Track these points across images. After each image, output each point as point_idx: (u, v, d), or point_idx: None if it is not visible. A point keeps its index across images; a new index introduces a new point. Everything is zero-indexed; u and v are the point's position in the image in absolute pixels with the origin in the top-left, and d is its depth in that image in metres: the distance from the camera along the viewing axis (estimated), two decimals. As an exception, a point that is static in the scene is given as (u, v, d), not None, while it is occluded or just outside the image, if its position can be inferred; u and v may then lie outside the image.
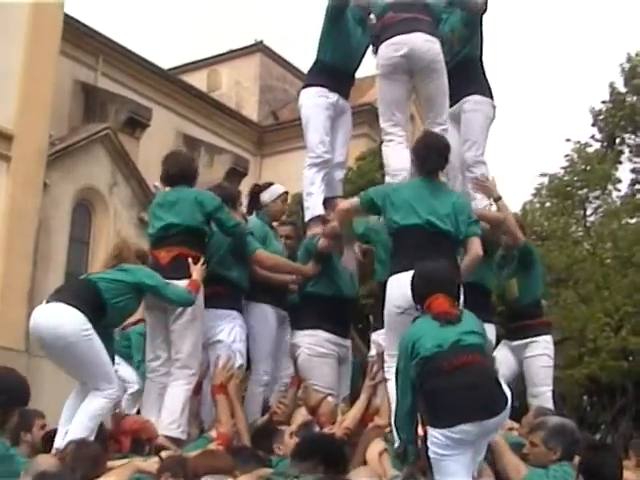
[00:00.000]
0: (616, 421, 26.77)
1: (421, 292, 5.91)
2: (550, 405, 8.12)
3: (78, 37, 26.45)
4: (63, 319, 6.36)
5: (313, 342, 7.64)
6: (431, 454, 5.43)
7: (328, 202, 8.20)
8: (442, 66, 7.71)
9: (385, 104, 7.89)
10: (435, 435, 5.38)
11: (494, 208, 8.18)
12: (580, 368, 23.75)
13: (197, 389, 7.44)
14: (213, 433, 6.87)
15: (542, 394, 8.17)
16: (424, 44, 7.60)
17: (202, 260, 7.16)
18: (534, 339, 8.29)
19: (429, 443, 5.43)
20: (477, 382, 5.42)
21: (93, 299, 6.53)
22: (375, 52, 7.93)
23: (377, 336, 7.38)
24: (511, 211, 8.22)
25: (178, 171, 7.53)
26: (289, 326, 8.08)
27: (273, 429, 6.85)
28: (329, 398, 7.40)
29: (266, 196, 8.33)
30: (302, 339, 7.71)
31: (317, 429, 7.12)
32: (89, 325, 6.38)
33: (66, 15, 24.70)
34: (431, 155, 6.76)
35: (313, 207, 8.24)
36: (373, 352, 7.42)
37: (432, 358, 5.47)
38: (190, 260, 7.07)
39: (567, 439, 5.83)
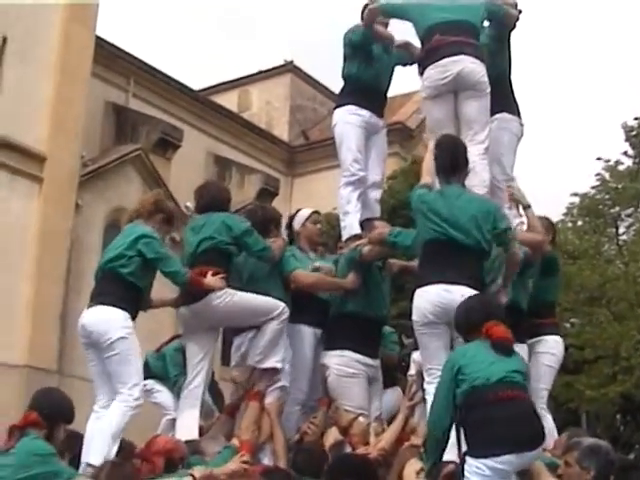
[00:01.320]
0: (651, 441, 26.57)
1: (478, 319, 5.90)
2: (544, 402, 8.08)
3: (109, 59, 26.62)
4: (110, 320, 6.79)
5: (342, 362, 7.63)
6: None
7: (366, 223, 8.19)
8: (486, 87, 7.76)
9: (433, 124, 7.90)
10: (477, 465, 5.38)
11: (524, 219, 8.19)
12: (614, 387, 23.61)
13: (232, 411, 7.47)
14: (236, 441, 6.89)
15: (539, 391, 8.03)
16: (470, 66, 7.66)
17: (222, 274, 7.25)
18: (543, 337, 8.27)
19: (468, 473, 5.43)
20: (522, 414, 5.50)
21: (128, 290, 6.94)
22: (421, 74, 7.96)
23: (418, 355, 7.37)
24: (539, 223, 8.16)
25: (209, 200, 7.71)
26: None
27: (323, 450, 6.81)
28: (360, 418, 7.39)
29: (296, 224, 8.36)
30: (331, 359, 7.70)
31: (349, 449, 7.11)
32: (131, 322, 6.83)
33: (97, 37, 24.89)
34: (443, 153, 6.98)
35: (350, 226, 8.24)
36: (413, 371, 7.42)
37: (477, 388, 5.51)
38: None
39: (601, 459, 5.77)
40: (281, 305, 7.38)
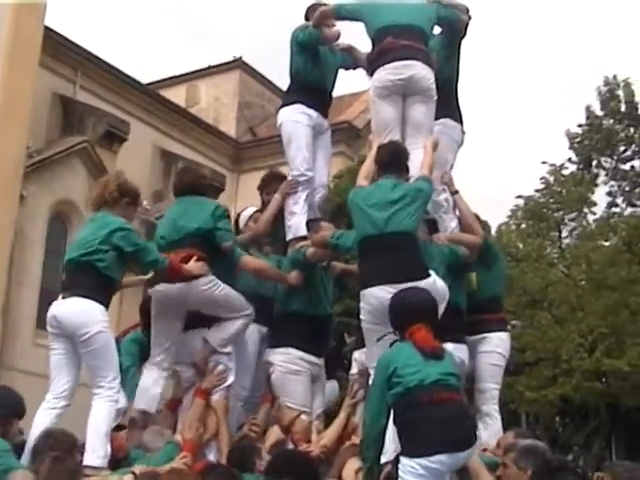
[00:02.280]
0: (589, 442, 26.89)
1: (401, 321, 5.99)
2: (495, 402, 8.11)
3: (57, 49, 26.38)
4: (87, 312, 6.71)
5: (286, 360, 7.65)
6: None
7: (312, 224, 8.21)
8: (434, 94, 7.89)
9: (379, 124, 7.94)
10: (411, 465, 5.46)
11: (451, 201, 8.24)
12: (554, 389, 23.86)
13: (174, 406, 7.46)
14: (179, 437, 6.88)
15: (488, 391, 8.06)
16: (421, 72, 7.78)
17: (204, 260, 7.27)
18: (487, 335, 8.13)
19: (402, 472, 5.50)
20: (455, 416, 5.59)
21: (103, 284, 6.86)
22: (371, 74, 8.02)
23: (359, 354, 7.41)
24: (469, 206, 8.22)
25: (187, 184, 7.82)
26: None
27: (251, 446, 6.83)
28: (303, 416, 7.42)
29: (240, 223, 8.45)
30: (275, 357, 7.71)
31: (291, 447, 7.13)
32: (107, 316, 6.80)
33: (46, 27, 24.64)
34: (384, 152, 7.22)
35: (296, 227, 8.27)
36: (354, 370, 7.45)
37: (412, 390, 5.58)
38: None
39: (538, 459, 5.85)
40: (251, 308, 7.44)
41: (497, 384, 8.20)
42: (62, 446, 6.08)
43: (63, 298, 6.88)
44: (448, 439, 5.48)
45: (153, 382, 7.49)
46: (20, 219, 22.99)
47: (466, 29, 8.52)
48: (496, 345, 8.20)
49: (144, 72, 33.91)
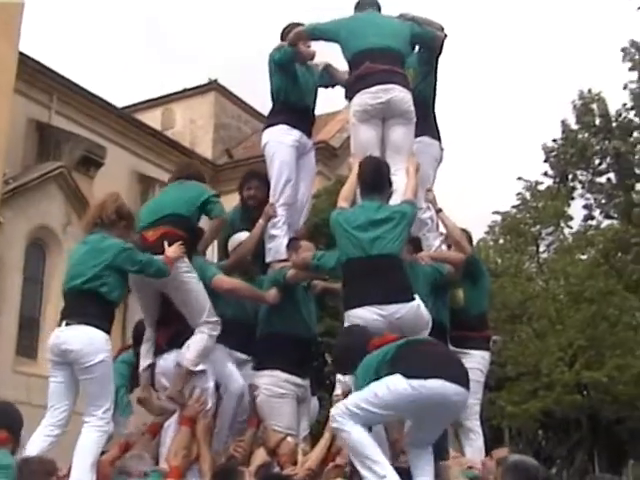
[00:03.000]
0: (571, 455, 26.95)
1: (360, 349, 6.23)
2: (477, 418, 8.17)
3: (32, 75, 26.30)
4: (92, 341, 6.68)
5: (271, 382, 7.61)
6: None
7: (292, 243, 8.20)
8: (413, 116, 7.95)
9: (360, 147, 7.98)
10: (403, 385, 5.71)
11: (435, 219, 8.31)
12: (535, 402, 23.93)
13: (155, 430, 7.45)
14: (165, 466, 6.87)
15: (470, 406, 8.02)
16: (400, 95, 7.85)
17: (181, 241, 7.26)
18: (470, 351, 8.15)
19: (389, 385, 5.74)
20: (452, 356, 6.37)
21: (107, 310, 6.88)
22: (350, 98, 8.08)
23: (342, 376, 7.42)
24: (455, 223, 8.27)
25: (179, 170, 8.11)
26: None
27: (234, 469, 6.82)
28: (289, 438, 7.39)
29: (230, 249, 8.36)
30: (260, 379, 7.67)
31: (277, 469, 7.12)
32: (110, 345, 6.78)
33: (20, 53, 24.60)
34: (367, 171, 7.29)
35: (276, 250, 8.28)
36: (338, 391, 7.45)
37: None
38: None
39: (521, 475, 5.88)
40: (218, 319, 7.38)
41: (478, 400, 8.25)
42: (37, 476, 6.07)
43: (66, 325, 6.83)
44: (446, 369, 5.75)
45: (146, 352, 7.62)
46: (-3, 246, 22.93)
47: (442, 47, 8.59)
48: (478, 362, 8.22)
49: (119, 96, 33.95)
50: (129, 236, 7.35)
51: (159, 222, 7.39)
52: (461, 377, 5.78)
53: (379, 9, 8.59)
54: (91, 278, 6.81)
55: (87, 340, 6.68)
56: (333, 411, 6.02)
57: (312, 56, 8.73)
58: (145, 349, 7.65)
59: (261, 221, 8.21)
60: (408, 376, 5.64)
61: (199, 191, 7.64)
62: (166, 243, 7.18)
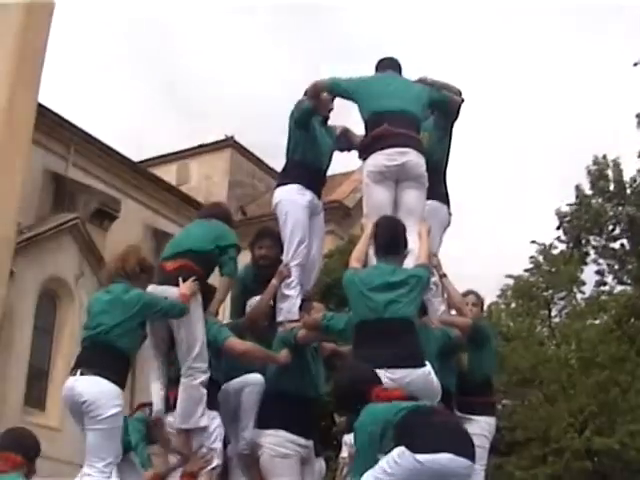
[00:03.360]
0: (580, 524, 26.57)
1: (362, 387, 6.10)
2: None
3: (50, 127, 26.56)
4: (103, 393, 6.67)
5: (276, 442, 7.52)
6: None
7: (304, 304, 8.19)
8: (426, 181, 7.99)
9: (372, 208, 7.99)
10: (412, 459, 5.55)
11: (439, 284, 8.30)
12: (544, 468, 23.68)
13: None
14: None
15: (478, 472, 8.04)
16: (415, 159, 7.87)
17: (194, 278, 7.37)
18: (474, 417, 8.09)
19: (397, 459, 5.56)
20: (458, 426, 6.06)
21: (122, 363, 6.89)
22: (364, 158, 8.11)
23: (349, 437, 7.36)
24: (456, 289, 8.26)
25: (208, 209, 8.49)
26: None
27: None
28: (292, 500, 7.34)
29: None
30: (265, 439, 7.59)
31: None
32: (122, 399, 6.77)
33: (39, 104, 24.84)
34: (383, 232, 7.26)
35: (288, 311, 8.20)
36: (345, 454, 7.39)
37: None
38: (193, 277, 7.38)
39: None
40: (206, 366, 7.39)
41: (483, 466, 8.18)
42: None
43: (81, 374, 6.80)
44: (454, 442, 5.56)
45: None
46: (9, 295, 22.95)
47: (459, 111, 8.63)
48: (482, 428, 8.16)
49: (136, 150, 34.14)
50: (146, 287, 7.39)
51: (179, 255, 7.54)
52: (469, 449, 5.71)
53: (400, 71, 8.62)
54: (111, 330, 6.83)
55: (99, 392, 6.67)
56: None
57: (329, 105, 8.78)
58: (157, 388, 7.63)
59: (274, 281, 8.18)
60: (417, 450, 5.50)
61: (223, 232, 7.81)
62: (181, 279, 7.29)
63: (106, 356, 6.80)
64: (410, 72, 8.72)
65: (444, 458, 5.46)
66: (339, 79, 8.54)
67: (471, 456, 5.64)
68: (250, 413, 7.65)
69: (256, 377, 7.70)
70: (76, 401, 6.71)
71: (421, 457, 5.45)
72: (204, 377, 7.33)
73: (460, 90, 8.65)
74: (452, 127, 8.75)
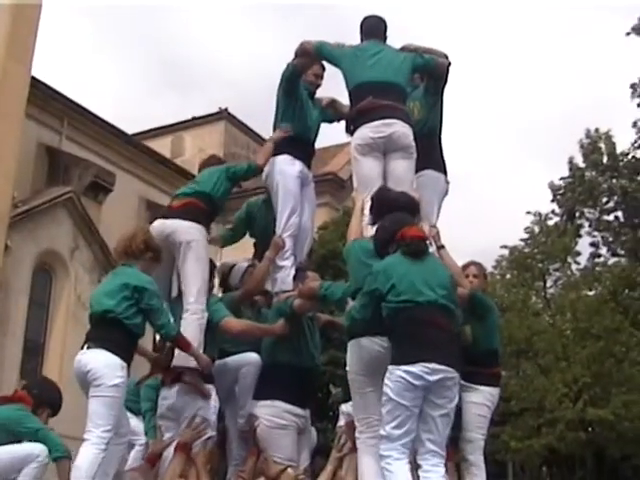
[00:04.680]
0: (576, 492, 26.78)
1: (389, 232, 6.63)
2: (481, 453, 8.08)
3: (44, 100, 26.37)
4: (107, 365, 6.84)
5: (272, 413, 7.58)
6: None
7: (298, 274, 8.24)
8: (414, 151, 7.98)
9: (362, 181, 7.99)
10: (397, 373, 6.06)
11: (437, 255, 8.31)
12: (538, 439, 23.81)
13: (154, 460, 7.42)
14: None
15: (476, 441, 8.04)
16: (401, 130, 7.88)
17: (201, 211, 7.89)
18: (479, 387, 8.10)
19: (387, 380, 6.10)
20: (446, 340, 6.22)
21: (127, 338, 7.04)
22: (351, 132, 8.12)
23: (346, 407, 7.39)
24: (455, 261, 8.25)
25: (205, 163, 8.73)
26: None
27: None
28: (289, 470, 7.37)
29: (234, 279, 8.47)
30: (261, 410, 7.64)
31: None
32: (126, 372, 6.94)
33: (32, 78, 24.71)
34: (380, 203, 7.27)
35: (282, 281, 8.29)
36: (342, 422, 7.41)
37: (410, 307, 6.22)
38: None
39: None
40: (204, 307, 7.63)
41: (483, 435, 8.21)
42: None
43: (88, 348, 6.98)
44: (435, 353, 6.02)
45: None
46: (4, 269, 22.92)
47: (447, 75, 8.57)
48: (486, 398, 8.17)
49: (129, 123, 34.02)
50: (154, 268, 7.56)
51: (185, 195, 8.02)
52: (453, 361, 6.12)
53: (385, 38, 8.58)
54: (115, 306, 6.98)
55: (103, 363, 6.82)
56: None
57: (316, 70, 8.88)
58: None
59: (269, 254, 8.22)
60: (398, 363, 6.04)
61: (227, 166, 8.40)
62: None
63: (112, 332, 6.97)
64: (395, 36, 8.72)
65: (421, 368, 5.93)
66: (326, 42, 8.56)
67: (453, 364, 6.09)
68: (247, 394, 7.74)
69: (253, 357, 7.80)
70: (82, 371, 6.87)
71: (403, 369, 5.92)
72: (204, 318, 7.56)
73: (445, 53, 8.60)
74: (442, 93, 8.70)
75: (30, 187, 25.66)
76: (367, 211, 7.45)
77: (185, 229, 7.72)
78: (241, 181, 8.57)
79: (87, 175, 26.63)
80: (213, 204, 8.04)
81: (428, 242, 8.00)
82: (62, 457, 7.12)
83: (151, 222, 8.07)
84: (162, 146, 34.98)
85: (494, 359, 8.45)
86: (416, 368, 5.97)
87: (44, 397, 6.75)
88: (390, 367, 6.12)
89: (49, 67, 55.93)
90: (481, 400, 8.10)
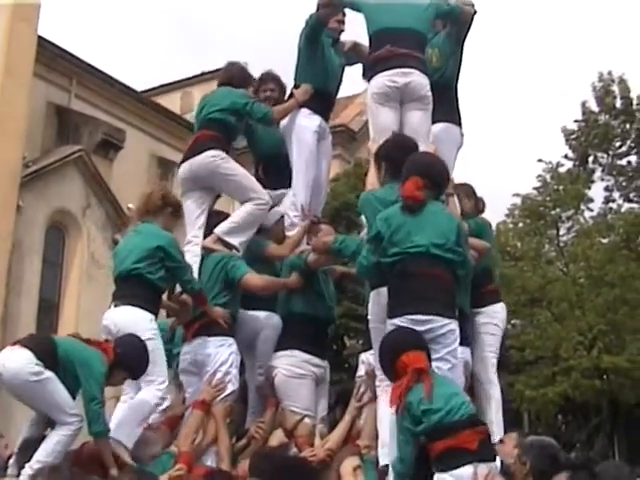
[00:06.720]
0: (591, 440, 26.87)
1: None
2: (494, 371, 8.20)
3: (52, 59, 26.30)
4: (136, 320, 6.92)
5: (291, 363, 7.61)
6: None
7: (312, 227, 8.20)
8: (430, 101, 7.93)
9: (377, 129, 7.92)
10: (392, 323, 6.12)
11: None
12: (553, 387, 23.85)
13: (173, 424, 7.43)
14: (174, 448, 6.88)
15: (487, 358, 8.12)
16: (418, 79, 7.81)
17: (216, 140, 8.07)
18: (480, 309, 8.24)
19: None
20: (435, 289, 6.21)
21: (152, 293, 7.13)
22: (368, 80, 8.05)
23: (366, 356, 7.39)
24: (458, 210, 8.22)
25: (225, 78, 8.86)
26: None
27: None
28: (306, 420, 7.40)
29: (267, 220, 8.41)
30: (279, 360, 7.67)
31: (294, 451, 7.12)
32: (156, 324, 7.04)
33: (39, 37, 24.63)
34: (394, 151, 7.09)
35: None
36: (362, 372, 7.42)
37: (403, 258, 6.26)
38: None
39: (536, 453, 6.10)
40: (267, 199, 8.08)
41: (495, 353, 8.28)
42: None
43: (115, 307, 7.04)
44: (418, 304, 6.03)
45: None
46: (17, 229, 22.98)
47: (471, 23, 8.46)
48: (491, 317, 8.31)
49: (138, 80, 33.89)
50: (174, 223, 7.65)
51: (202, 126, 8.24)
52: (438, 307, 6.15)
53: None
54: (139, 264, 7.03)
55: (132, 319, 6.89)
56: None
57: (339, 18, 8.80)
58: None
59: (299, 229, 8.22)
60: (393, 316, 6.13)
61: (233, 100, 8.29)
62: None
63: (137, 288, 7.03)
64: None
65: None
66: None
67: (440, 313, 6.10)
68: (266, 357, 7.75)
69: (274, 320, 7.84)
70: (111, 330, 6.92)
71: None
72: (265, 208, 8.08)
73: (472, 2, 8.49)
74: (464, 43, 8.60)
75: (40, 147, 25.65)
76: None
77: (202, 164, 7.95)
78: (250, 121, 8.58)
79: (97, 133, 26.60)
80: (227, 130, 8.20)
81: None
82: (99, 434, 6.48)
83: (162, 178, 8.11)
84: (171, 102, 34.79)
85: (488, 277, 8.50)
86: (400, 320, 6.02)
87: (123, 360, 6.60)
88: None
89: (57, 26, 55.63)
90: (487, 320, 8.27)
